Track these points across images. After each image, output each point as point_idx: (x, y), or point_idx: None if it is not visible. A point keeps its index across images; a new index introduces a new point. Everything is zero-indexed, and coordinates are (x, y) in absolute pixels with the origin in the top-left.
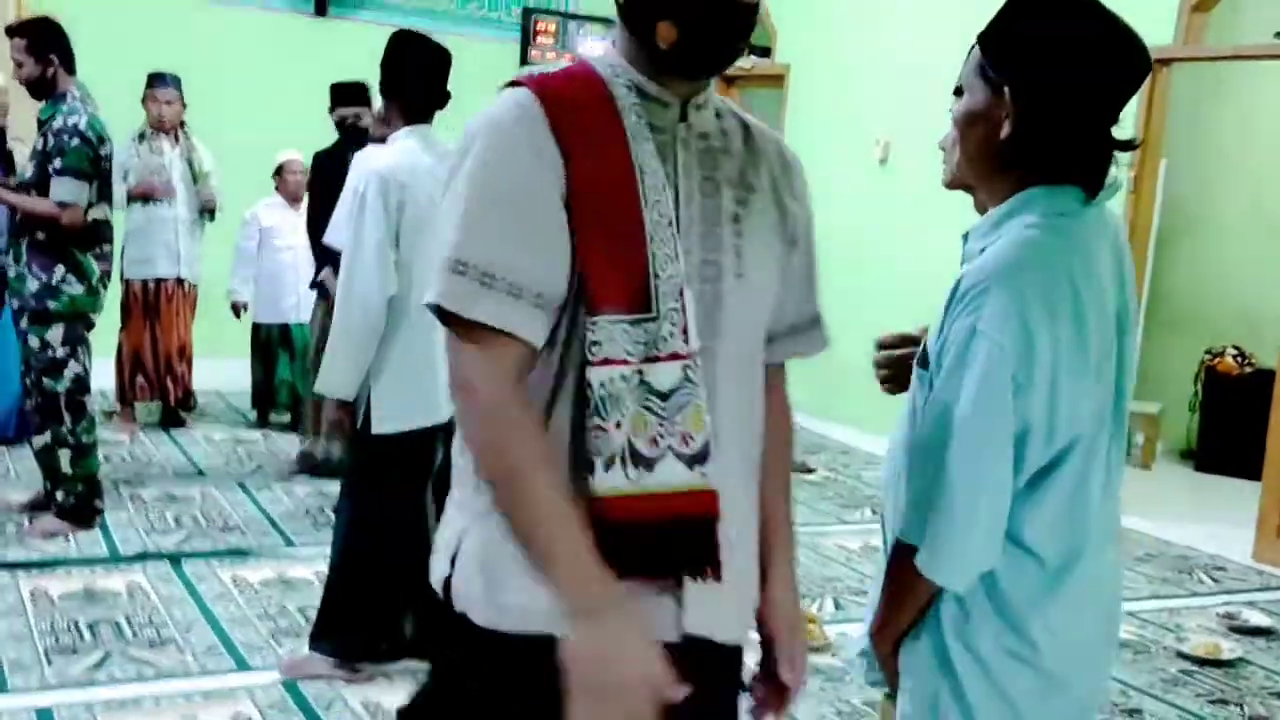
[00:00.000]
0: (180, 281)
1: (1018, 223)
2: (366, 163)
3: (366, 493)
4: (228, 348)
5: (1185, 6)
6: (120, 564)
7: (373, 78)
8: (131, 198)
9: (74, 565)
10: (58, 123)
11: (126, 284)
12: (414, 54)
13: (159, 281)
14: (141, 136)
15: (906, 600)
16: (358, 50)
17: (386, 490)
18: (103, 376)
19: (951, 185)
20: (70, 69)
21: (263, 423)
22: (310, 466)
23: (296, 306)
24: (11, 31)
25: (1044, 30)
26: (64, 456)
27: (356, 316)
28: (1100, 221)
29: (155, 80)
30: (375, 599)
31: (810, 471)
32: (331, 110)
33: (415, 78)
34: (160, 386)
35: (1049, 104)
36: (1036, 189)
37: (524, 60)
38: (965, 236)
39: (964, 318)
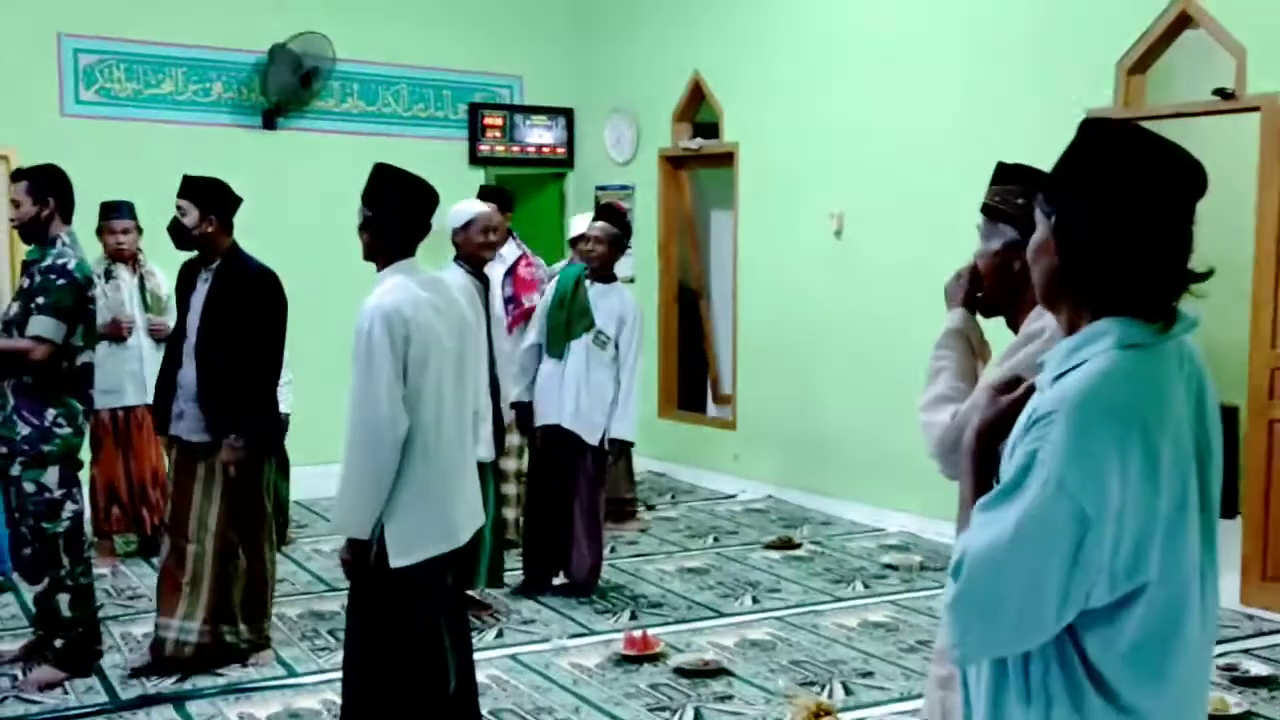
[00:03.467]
0: (149, 408)
1: (1089, 353)
2: (368, 302)
3: (385, 626)
4: None
5: (1122, 70)
6: (123, 712)
7: (325, 188)
8: (100, 337)
9: (75, 717)
10: (45, 262)
11: (95, 415)
12: (400, 194)
13: (128, 410)
14: (108, 274)
15: None
16: (307, 161)
17: (405, 621)
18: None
19: (986, 313)
20: (66, 217)
21: None
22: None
23: None
24: (17, 175)
25: (1085, 164)
26: (63, 601)
27: (370, 456)
28: (1178, 353)
29: (110, 210)
30: None
31: (795, 546)
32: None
33: (403, 217)
34: (135, 515)
35: (1088, 235)
36: (1110, 320)
37: (473, 156)
38: (1040, 365)
39: (1030, 444)
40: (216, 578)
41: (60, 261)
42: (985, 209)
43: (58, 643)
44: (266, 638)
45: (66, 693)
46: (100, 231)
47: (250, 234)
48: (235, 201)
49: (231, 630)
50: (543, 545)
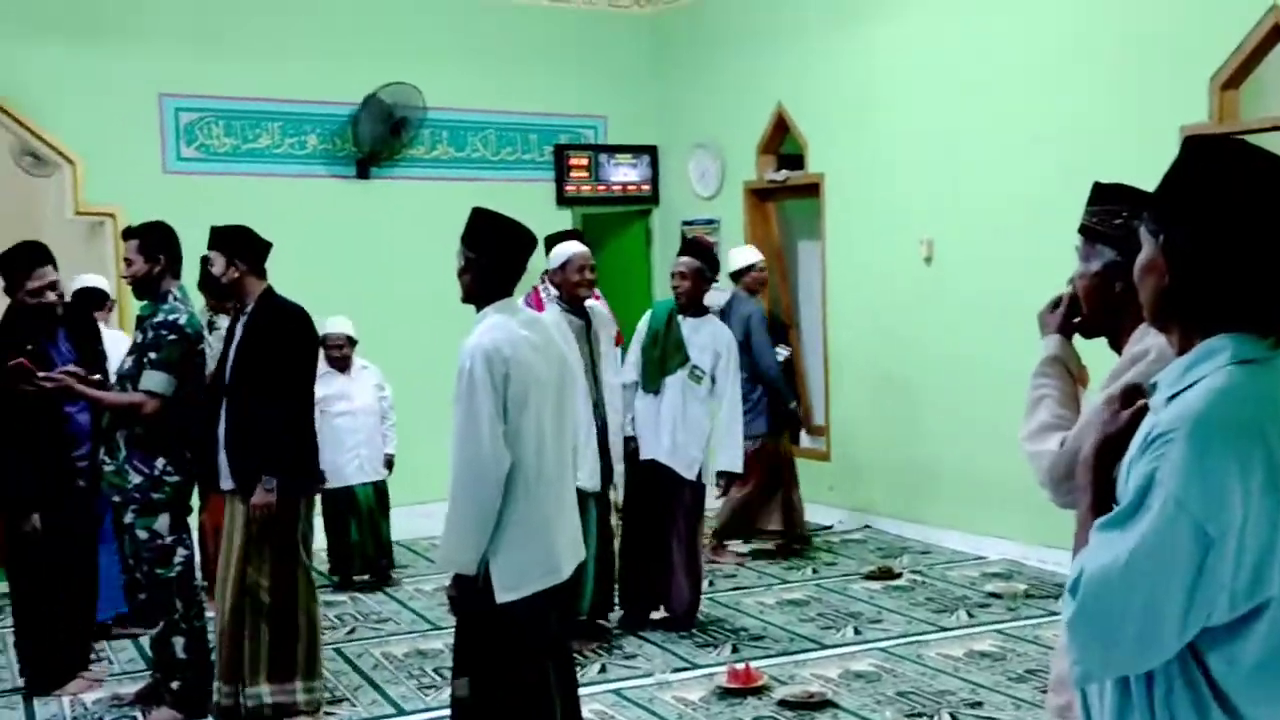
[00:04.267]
0: None
1: (1204, 371)
2: (468, 342)
3: (490, 661)
4: None
5: (1215, 86)
6: None
7: (419, 233)
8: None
9: None
10: (158, 318)
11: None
12: (499, 236)
13: None
14: (210, 325)
15: None
16: (401, 208)
17: (510, 657)
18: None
19: (1086, 334)
20: (176, 273)
21: (345, 585)
22: None
23: (360, 468)
24: (128, 234)
25: (1193, 182)
26: (178, 644)
27: (473, 493)
28: None
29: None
30: None
31: (896, 576)
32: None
33: (502, 259)
34: None
35: (1200, 254)
36: (1224, 337)
37: (560, 196)
38: (1153, 386)
39: (1147, 464)
40: (231, 634)
41: (172, 318)
42: (1083, 230)
43: (174, 685)
44: (313, 702)
45: None
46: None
47: (347, 281)
48: (263, 246)
49: (253, 693)
50: (641, 580)
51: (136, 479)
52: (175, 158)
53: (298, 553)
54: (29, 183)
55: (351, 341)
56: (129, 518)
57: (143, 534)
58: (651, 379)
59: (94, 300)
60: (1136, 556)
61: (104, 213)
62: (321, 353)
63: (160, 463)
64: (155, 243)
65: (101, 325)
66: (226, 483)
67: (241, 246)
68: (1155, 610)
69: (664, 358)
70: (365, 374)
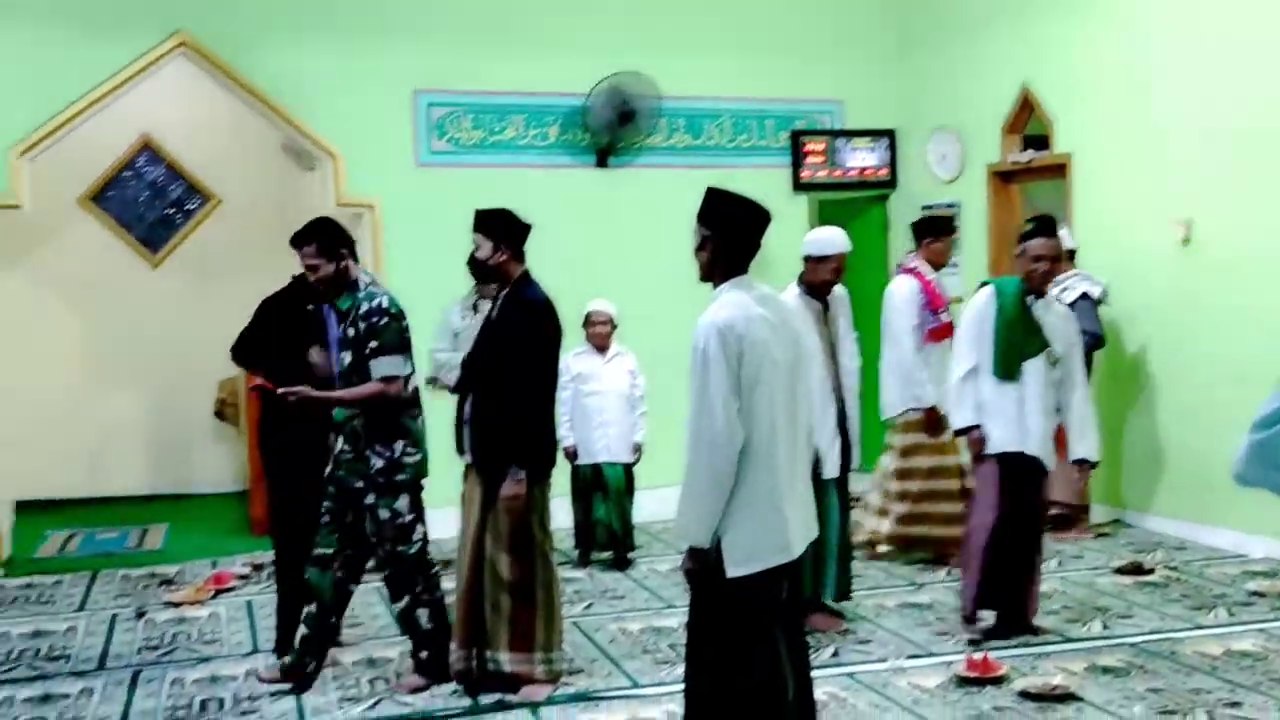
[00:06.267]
0: None
1: None
2: (703, 318)
3: (723, 636)
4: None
5: None
6: (483, 715)
7: (656, 220)
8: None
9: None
10: (364, 308)
11: None
12: (736, 213)
13: None
14: (475, 307)
15: None
16: (639, 197)
17: (742, 632)
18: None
19: None
20: (357, 258)
21: (584, 561)
22: None
23: (608, 448)
24: (297, 240)
25: None
26: (423, 615)
27: (707, 467)
28: None
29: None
30: None
31: (1148, 571)
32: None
33: (738, 235)
34: None
35: None
36: None
37: (796, 182)
38: None
39: None
40: (469, 601)
41: (375, 303)
42: None
43: (423, 655)
44: (551, 672)
45: (434, 696)
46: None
47: (588, 267)
48: (524, 229)
49: (492, 658)
50: (1014, 580)
51: (378, 463)
52: (427, 151)
53: (535, 530)
54: (296, 176)
55: (612, 324)
56: (370, 499)
57: (384, 514)
58: (1011, 366)
59: None
60: None
61: (363, 204)
62: (582, 331)
63: (399, 445)
64: (331, 241)
65: None
66: (467, 456)
67: (506, 231)
68: None
69: (1022, 342)
70: (620, 359)
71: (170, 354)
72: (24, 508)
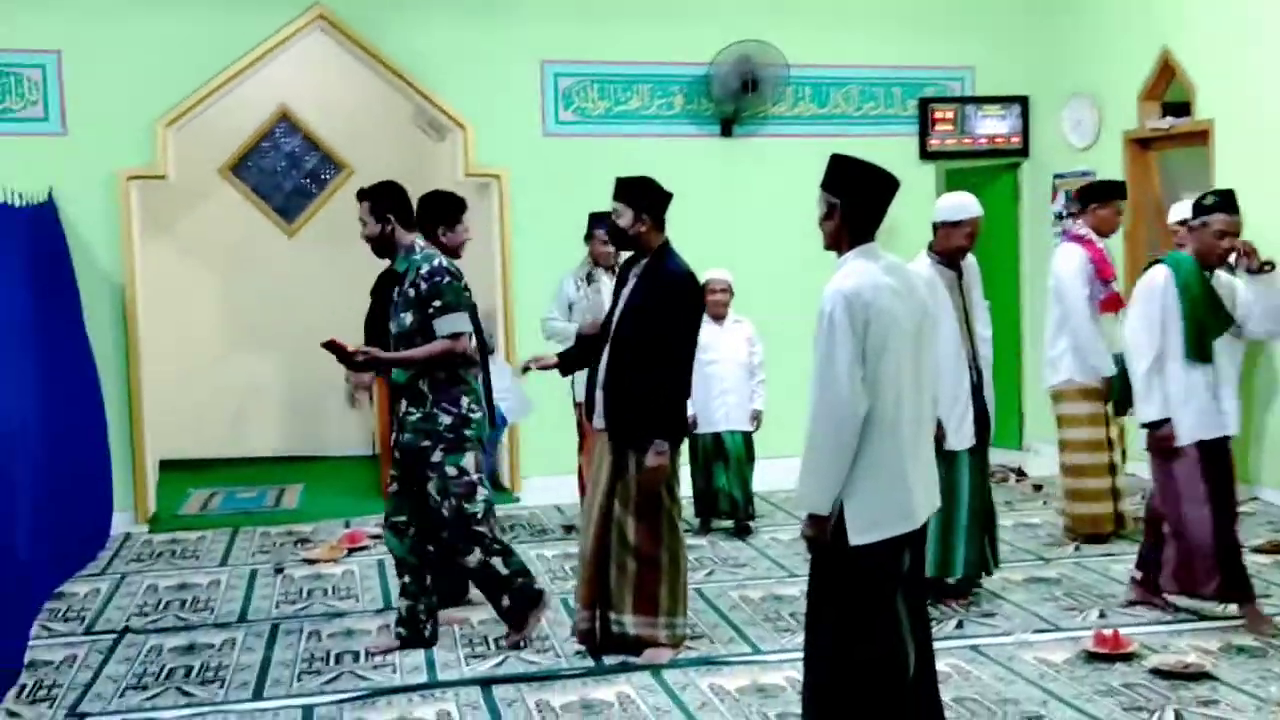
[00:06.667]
0: None
1: None
2: (830, 286)
3: (844, 604)
4: None
5: None
6: (607, 675)
7: (781, 190)
8: (581, 335)
9: (567, 679)
10: (423, 269)
11: (579, 406)
12: (863, 179)
13: None
14: (589, 278)
15: None
16: (764, 167)
17: (863, 600)
18: (564, 494)
19: None
20: (408, 225)
21: (705, 529)
22: None
23: (727, 416)
24: (361, 195)
25: None
26: (498, 563)
27: (829, 434)
28: None
29: (596, 221)
30: (865, 708)
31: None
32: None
33: (866, 202)
34: None
35: None
36: None
37: (923, 151)
38: None
39: None
40: (595, 563)
41: (435, 263)
42: None
43: (505, 602)
44: (674, 637)
45: (558, 655)
46: (588, 238)
47: (715, 237)
48: (665, 198)
49: (617, 620)
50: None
51: (446, 419)
52: (554, 121)
53: (663, 496)
54: (427, 146)
55: (730, 292)
56: (437, 456)
57: (451, 470)
58: (1204, 347)
59: None
60: None
61: (491, 174)
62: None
63: (465, 401)
64: (383, 203)
65: None
66: (599, 421)
67: (648, 199)
68: None
69: (1211, 320)
70: (738, 327)
71: (304, 320)
72: (167, 466)
